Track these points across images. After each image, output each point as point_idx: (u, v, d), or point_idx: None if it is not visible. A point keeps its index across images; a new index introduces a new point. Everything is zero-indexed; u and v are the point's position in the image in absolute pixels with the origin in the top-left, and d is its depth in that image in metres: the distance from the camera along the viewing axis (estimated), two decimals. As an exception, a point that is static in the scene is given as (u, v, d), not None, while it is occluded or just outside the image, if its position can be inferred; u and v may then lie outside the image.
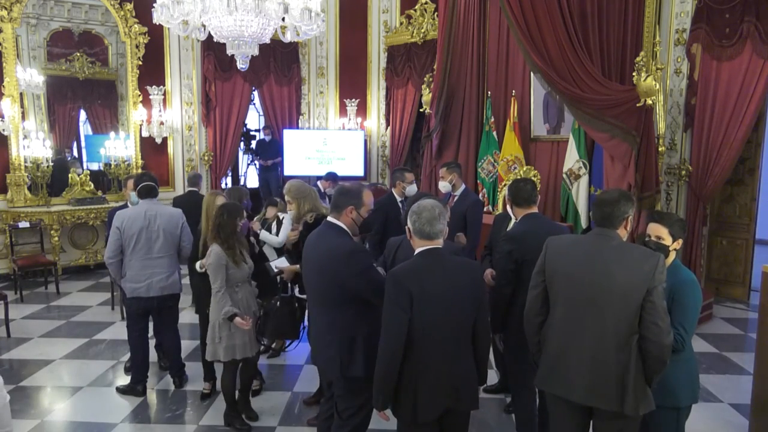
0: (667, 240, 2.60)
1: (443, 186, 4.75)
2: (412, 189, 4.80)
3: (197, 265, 3.83)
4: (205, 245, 3.73)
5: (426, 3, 8.66)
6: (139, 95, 8.07)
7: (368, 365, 2.69)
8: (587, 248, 2.40)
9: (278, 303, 3.61)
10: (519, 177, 4.15)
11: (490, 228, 3.95)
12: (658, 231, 2.63)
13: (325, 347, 2.74)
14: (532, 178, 6.35)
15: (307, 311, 3.29)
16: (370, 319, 2.71)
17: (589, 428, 2.52)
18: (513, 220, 3.67)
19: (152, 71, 8.17)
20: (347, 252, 2.63)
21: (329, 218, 2.82)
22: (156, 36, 8.11)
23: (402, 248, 3.14)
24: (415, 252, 2.46)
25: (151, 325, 4.35)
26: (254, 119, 10.67)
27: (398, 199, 4.76)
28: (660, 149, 5.93)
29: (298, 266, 3.65)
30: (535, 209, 3.36)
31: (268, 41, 4.50)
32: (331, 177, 6.26)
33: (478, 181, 7.44)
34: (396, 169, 5.03)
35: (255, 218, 4.60)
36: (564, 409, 2.47)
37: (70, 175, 7.70)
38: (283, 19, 4.23)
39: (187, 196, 6.03)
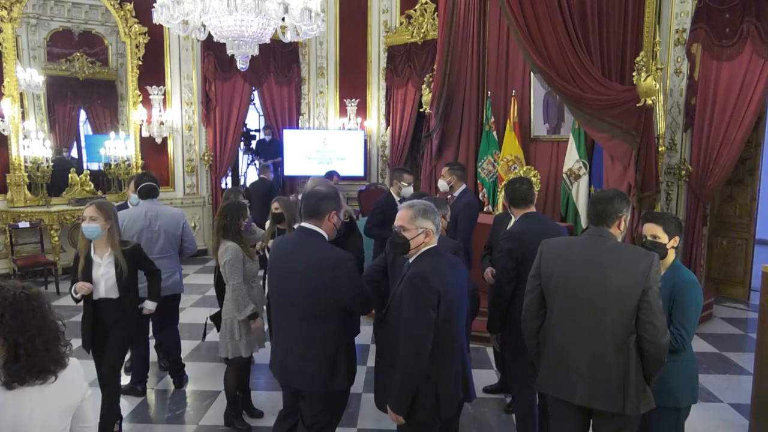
0: (663, 238, 2.61)
1: (441, 184, 4.79)
2: (407, 191, 4.80)
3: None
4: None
5: (426, 3, 8.65)
6: (139, 95, 8.07)
7: (349, 377, 2.68)
8: (582, 249, 2.41)
9: None
10: (514, 177, 4.18)
11: (490, 228, 3.95)
12: (653, 230, 2.64)
13: (303, 362, 2.61)
14: (532, 178, 6.35)
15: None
16: (350, 329, 2.71)
17: (589, 427, 2.52)
18: (513, 220, 3.68)
19: (152, 71, 8.17)
20: (339, 260, 2.55)
21: (305, 224, 2.65)
22: (156, 36, 8.10)
23: None
24: (423, 251, 2.43)
25: (151, 325, 4.34)
26: (254, 119, 10.66)
27: (396, 198, 4.76)
28: (660, 149, 5.93)
29: None
30: (532, 209, 3.38)
31: (268, 41, 4.49)
32: (332, 174, 6.42)
33: (478, 181, 7.44)
34: (396, 168, 5.04)
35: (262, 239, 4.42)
36: (565, 410, 2.47)
37: (70, 175, 7.70)
38: (283, 19, 4.22)
39: (260, 182, 6.76)
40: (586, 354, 2.34)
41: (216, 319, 3.87)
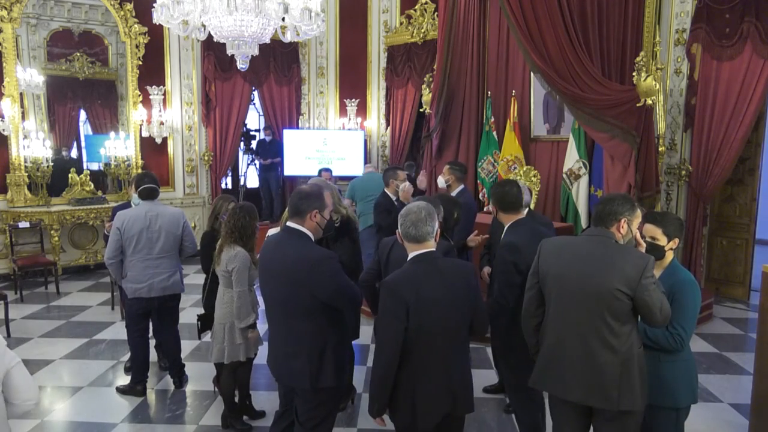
0: (662, 240, 2.60)
1: (439, 181, 4.88)
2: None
3: None
4: None
5: (426, 3, 8.66)
6: (139, 95, 8.07)
7: (338, 374, 2.66)
8: (577, 249, 2.42)
9: None
10: (503, 180, 3.86)
11: (488, 228, 3.94)
12: (651, 231, 2.63)
13: (290, 358, 2.63)
14: (532, 177, 6.35)
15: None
16: (338, 328, 2.68)
17: (589, 428, 2.52)
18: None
19: (152, 71, 8.17)
20: (317, 260, 2.53)
21: (289, 223, 2.66)
22: (156, 36, 8.10)
23: (396, 248, 3.11)
24: (409, 257, 2.40)
25: (151, 325, 4.35)
26: (254, 119, 10.66)
27: (393, 198, 4.78)
28: (660, 149, 5.93)
29: None
30: (522, 214, 3.18)
31: (268, 41, 4.49)
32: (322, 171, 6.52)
33: (478, 181, 7.44)
34: (388, 168, 5.04)
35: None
36: (564, 409, 2.48)
37: (70, 175, 7.70)
38: (283, 19, 4.22)
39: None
40: (578, 351, 2.36)
41: (205, 319, 3.85)
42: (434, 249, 2.41)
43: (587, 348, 2.33)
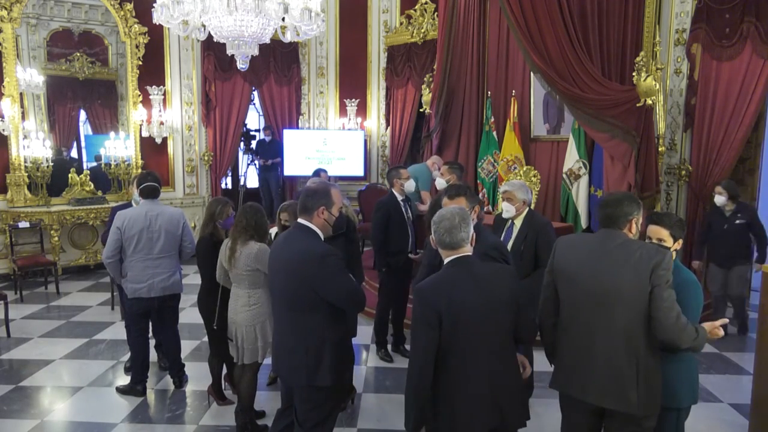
0: (668, 241, 2.58)
1: (439, 182, 4.84)
2: (410, 185, 4.83)
3: None
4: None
5: (426, 3, 8.66)
6: (139, 95, 8.06)
7: (335, 373, 2.63)
8: (591, 247, 2.39)
9: None
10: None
11: (491, 228, 3.95)
12: (658, 233, 2.61)
13: (289, 354, 2.65)
14: (532, 177, 6.35)
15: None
16: (339, 325, 2.67)
17: (600, 430, 2.51)
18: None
19: (152, 71, 8.16)
20: (319, 255, 2.54)
21: (299, 220, 2.70)
22: (156, 36, 8.10)
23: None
24: (445, 262, 2.36)
25: (151, 325, 4.35)
26: (254, 119, 10.66)
27: (399, 198, 4.77)
28: (660, 149, 5.93)
29: None
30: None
31: (268, 41, 4.49)
32: (319, 172, 6.47)
33: (478, 181, 7.44)
34: (392, 168, 5.04)
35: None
36: (576, 410, 2.47)
37: (69, 175, 7.70)
38: (283, 19, 4.22)
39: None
40: (597, 352, 2.32)
41: (222, 330, 3.69)
42: (470, 254, 2.36)
43: (605, 348, 2.30)
